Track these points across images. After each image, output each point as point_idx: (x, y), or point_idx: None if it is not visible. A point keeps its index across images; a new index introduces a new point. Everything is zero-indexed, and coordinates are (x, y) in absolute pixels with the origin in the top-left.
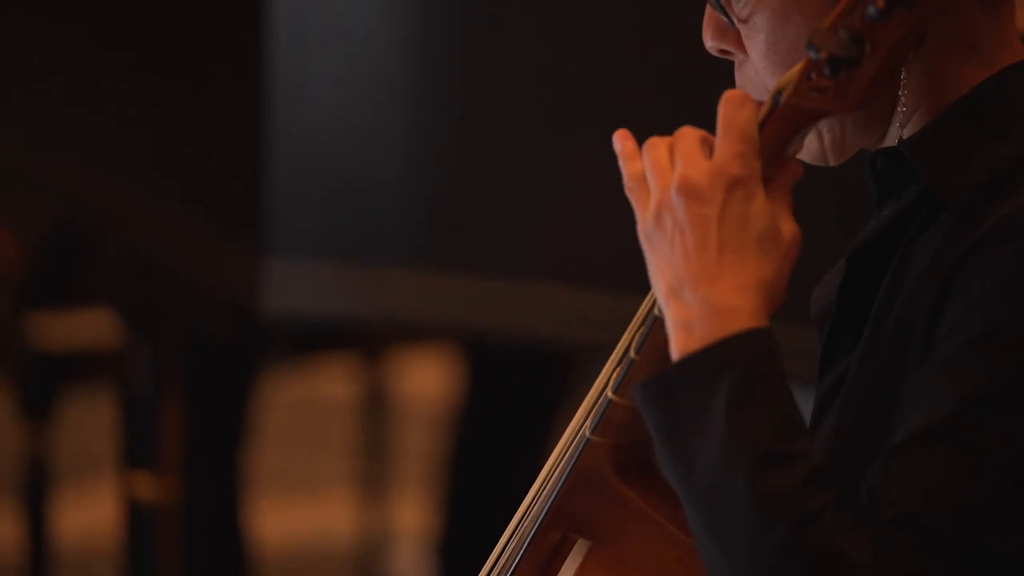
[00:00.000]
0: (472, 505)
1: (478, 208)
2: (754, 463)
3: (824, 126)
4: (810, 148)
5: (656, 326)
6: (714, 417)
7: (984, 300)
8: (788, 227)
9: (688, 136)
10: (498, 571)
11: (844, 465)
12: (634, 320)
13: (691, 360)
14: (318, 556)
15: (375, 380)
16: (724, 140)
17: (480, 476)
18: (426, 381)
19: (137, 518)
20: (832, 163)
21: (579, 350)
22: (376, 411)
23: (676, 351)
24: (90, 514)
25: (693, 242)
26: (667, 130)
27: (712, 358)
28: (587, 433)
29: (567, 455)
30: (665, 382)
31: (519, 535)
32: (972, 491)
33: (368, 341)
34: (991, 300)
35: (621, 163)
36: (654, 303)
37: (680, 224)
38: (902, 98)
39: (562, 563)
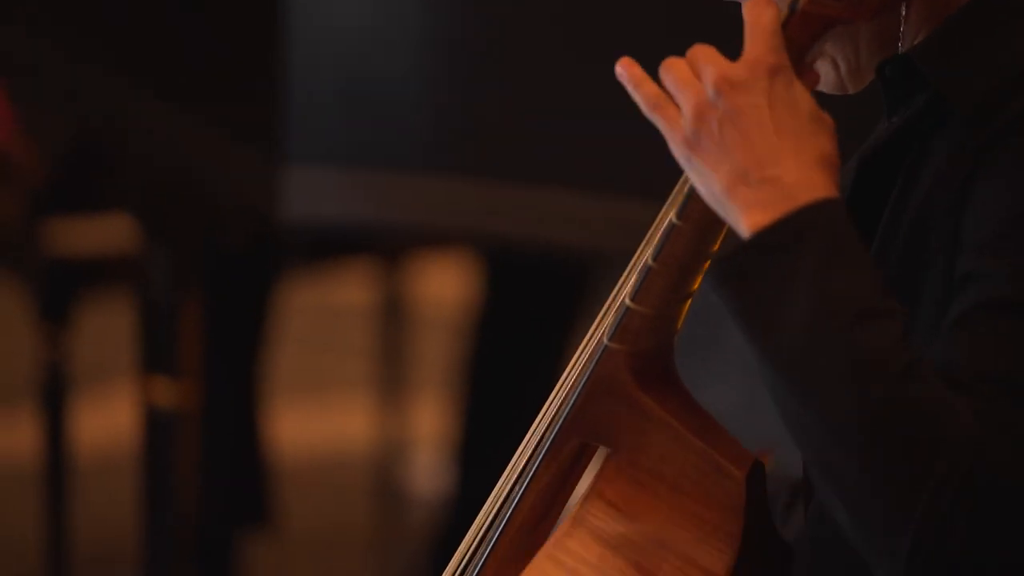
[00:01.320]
0: (490, 411)
1: (496, 113)
2: (851, 320)
3: (839, 54)
4: (827, 78)
5: (674, 234)
6: (802, 280)
7: (1012, 186)
8: (821, 110)
9: (704, 48)
10: (517, 476)
11: None
12: (652, 228)
13: (771, 230)
14: (335, 461)
15: (393, 286)
16: (753, 37)
17: (497, 382)
18: (443, 287)
19: (155, 423)
20: (851, 90)
21: (597, 256)
22: (394, 317)
23: (752, 231)
24: (108, 420)
25: (750, 129)
26: (676, 51)
27: (794, 224)
28: (605, 340)
29: (585, 362)
30: (744, 256)
31: (537, 441)
32: None
33: (385, 247)
34: (1019, 184)
35: (633, 90)
36: (672, 210)
37: (730, 116)
38: (911, 11)
39: (582, 471)
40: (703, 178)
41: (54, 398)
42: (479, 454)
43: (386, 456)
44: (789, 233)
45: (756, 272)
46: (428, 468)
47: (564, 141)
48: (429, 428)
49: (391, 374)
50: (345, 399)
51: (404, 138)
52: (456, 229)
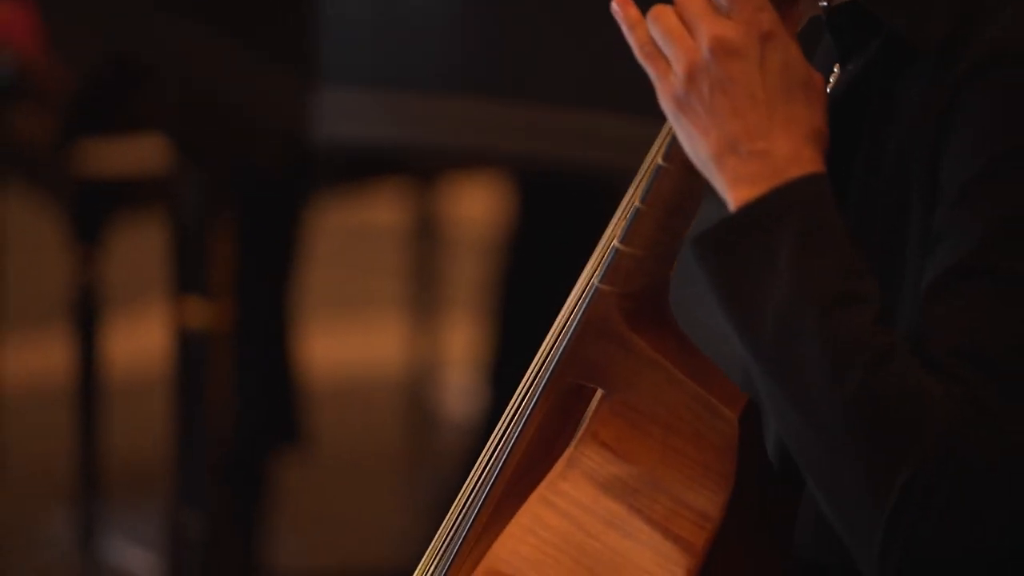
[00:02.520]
0: (522, 331)
1: (530, 34)
2: (825, 304)
3: None
4: None
5: (660, 175)
6: (780, 261)
7: (985, 133)
8: (813, 72)
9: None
10: (513, 418)
11: None
12: (639, 171)
13: (755, 206)
14: (367, 382)
15: (425, 207)
16: None
17: (529, 302)
18: (476, 208)
19: (187, 344)
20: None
21: (629, 176)
22: (426, 237)
23: (737, 204)
24: (140, 341)
25: (740, 98)
26: None
27: (777, 202)
28: (596, 282)
29: (577, 304)
30: (725, 231)
31: (532, 384)
32: (1015, 317)
33: (418, 168)
34: (992, 131)
35: (627, 32)
36: (659, 152)
37: (721, 83)
38: None
39: (580, 414)
40: (691, 139)
41: (87, 319)
42: (511, 375)
43: (418, 377)
44: (774, 211)
45: (738, 248)
46: (460, 389)
47: (596, 61)
48: (461, 349)
49: (423, 295)
50: (377, 320)
51: (436, 59)
52: (488, 150)
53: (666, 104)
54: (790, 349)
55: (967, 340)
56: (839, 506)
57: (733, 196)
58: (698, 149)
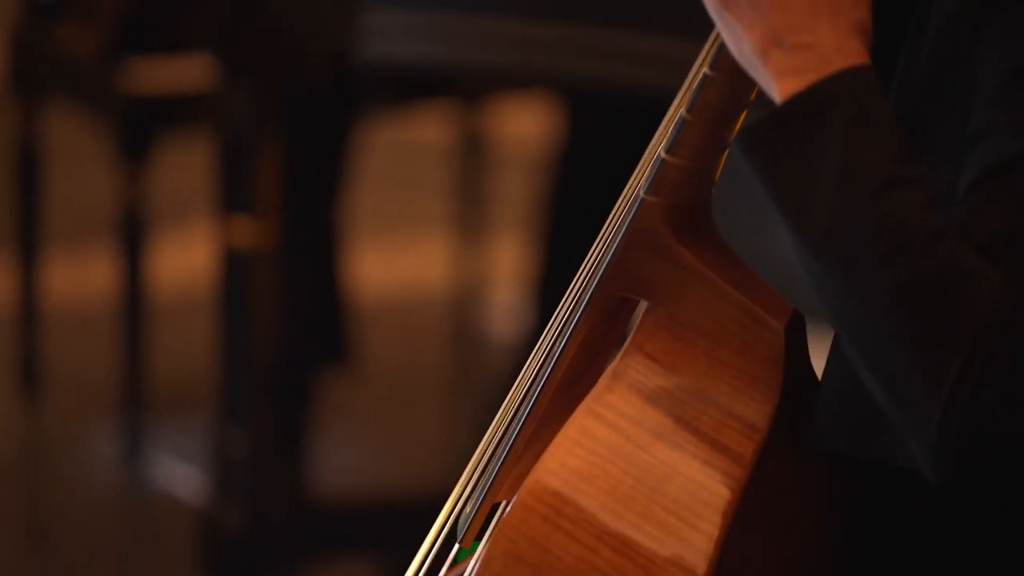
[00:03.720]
0: (567, 250)
1: None
2: (876, 188)
3: None
4: None
5: (706, 85)
6: (829, 149)
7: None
8: None
9: None
10: (557, 332)
11: None
12: (685, 83)
13: (801, 97)
14: (414, 300)
15: (472, 126)
16: None
17: (575, 221)
18: (522, 127)
19: (233, 263)
20: None
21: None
22: (473, 156)
23: (783, 97)
24: (186, 259)
25: None
26: None
27: (823, 92)
28: (641, 193)
29: (622, 215)
30: (773, 123)
31: (577, 296)
32: None
33: (466, 88)
34: None
35: None
36: (705, 61)
37: None
38: None
39: (623, 327)
40: (735, 37)
41: (133, 237)
42: (557, 294)
43: (464, 295)
44: (822, 100)
45: (785, 140)
46: (506, 308)
47: None
48: (507, 268)
49: (470, 213)
50: (424, 238)
51: None
52: (535, 69)
53: (709, 2)
54: (842, 235)
55: (1012, 227)
56: (894, 395)
57: (779, 89)
58: (742, 46)
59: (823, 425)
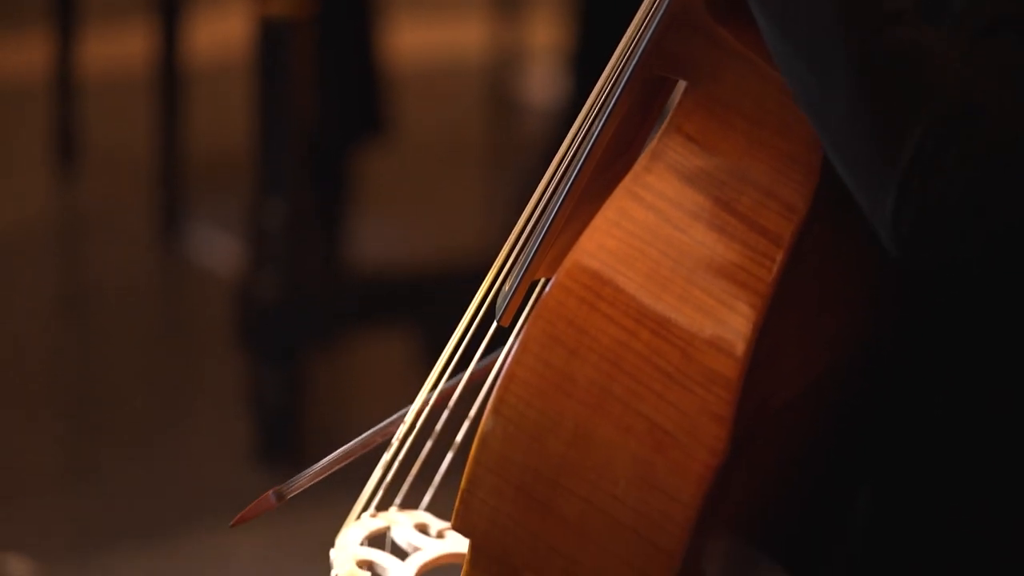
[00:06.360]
0: (603, 20)
1: None
2: None
3: None
4: None
5: None
6: None
7: None
8: None
9: None
10: (596, 111)
11: None
12: None
13: None
14: (451, 69)
15: None
16: None
17: None
18: None
19: (270, 33)
20: None
21: None
22: None
23: None
24: (223, 29)
25: None
26: None
27: None
28: None
29: None
30: None
31: (616, 76)
32: None
33: None
34: None
35: None
36: None
37: None
38: None
39: (661, 107)
40: None
41: (170, 6)
42: (592, 63)
43: (502, 64)
44: None
45: None
46: (543, 77)
47: None
48: (544, 37)
49: None
50: (461, 6)
51: None
52: None
53: None
54: (801, 6)
55: (997, 13)
56: (851, 168)
57: None
58: None
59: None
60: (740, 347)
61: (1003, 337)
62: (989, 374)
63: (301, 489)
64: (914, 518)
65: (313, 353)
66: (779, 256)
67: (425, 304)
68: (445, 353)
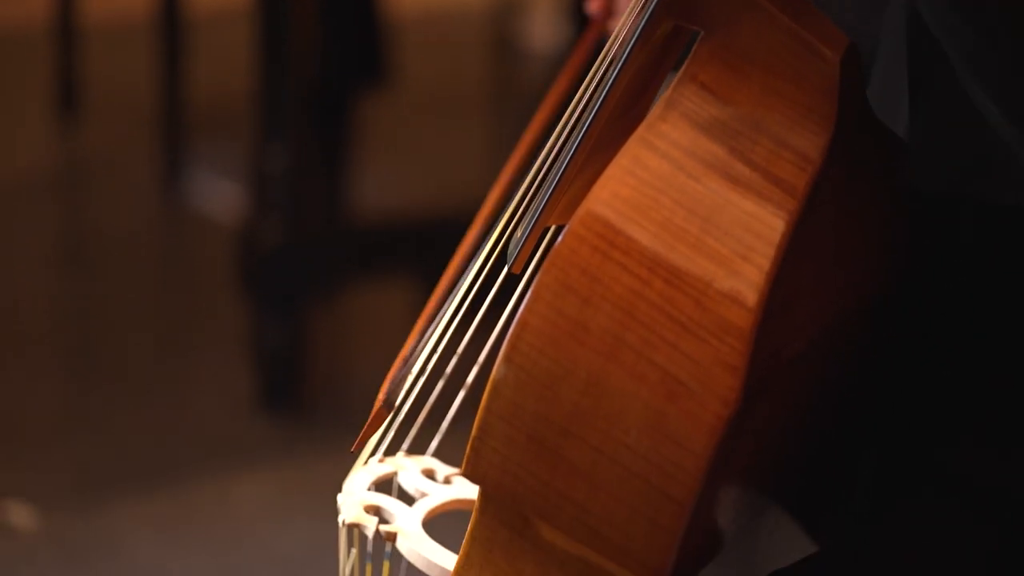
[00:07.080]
0: None
1: None
2: None
3: None
4: None
5: None
6: None
7: None
8: None
9: None
10: (611, 60)
11: None
12: None
13: None
14: (452, 14)
15: None
16: None
17: None
18: None
19: None
20: None
21: None
22: None
23: None
24: None
25: None
26: None
27: None
28: None
29: None
30: None
31: (631, 23)
32: None
33: None
34: None
35: None
36: None
37: None
38: None
39: (675, 56)
40: None
41: None
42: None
43: (504, 10)
44: None
45: None
46: (545, 22)
47: None
48: None
49: None
50: None
51: None
52: None
53: None
54: None
55: None
56: None
57: None
58: None
59: (922, 165)
60: (753, 298)
61: (1014, 293)
62: (999, 328)
63: (404, 389)
64: (918, 475)
65: (315, 299)
66: (793, 206)
67: (426, 250)
68: (455, 298)
